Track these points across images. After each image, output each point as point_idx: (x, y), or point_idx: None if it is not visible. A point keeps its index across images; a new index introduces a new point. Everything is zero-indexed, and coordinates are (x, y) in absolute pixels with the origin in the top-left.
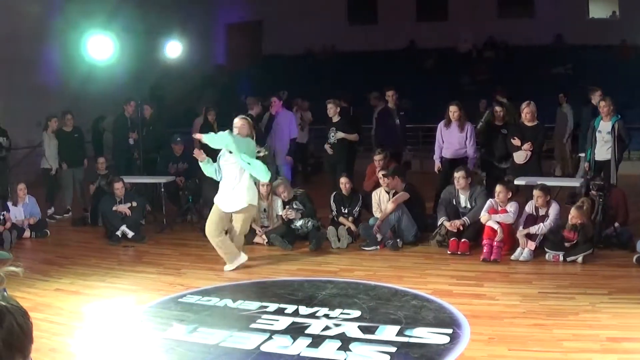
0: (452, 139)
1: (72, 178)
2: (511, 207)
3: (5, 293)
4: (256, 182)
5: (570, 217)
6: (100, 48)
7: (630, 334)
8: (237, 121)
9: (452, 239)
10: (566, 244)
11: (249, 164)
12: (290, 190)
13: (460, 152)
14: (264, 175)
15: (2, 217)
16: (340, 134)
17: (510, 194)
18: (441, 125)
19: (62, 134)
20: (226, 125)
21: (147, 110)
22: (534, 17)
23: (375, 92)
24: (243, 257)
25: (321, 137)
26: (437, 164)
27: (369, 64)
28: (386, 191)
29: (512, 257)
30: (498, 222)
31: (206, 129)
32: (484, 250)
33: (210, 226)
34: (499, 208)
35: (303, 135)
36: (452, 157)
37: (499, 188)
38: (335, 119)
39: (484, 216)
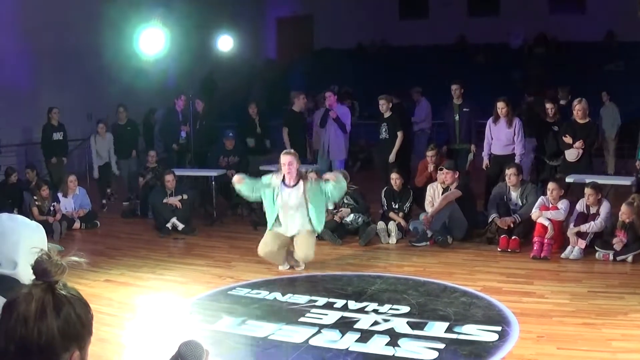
0: (500, 135)
1: (127, 169)
2: (562, 204)
3: (67, 284)
4: None
5: (620, 213)
6: (152, 42)
7: None
8: (285, 158)
9: (502, 236)
10: (614, 243)
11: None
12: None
13: (508, 148)
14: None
15: (52, 209)
16: (392, 157)
17: (563, 192)
18: (490, 121)
19: (116, 128)
20: (272, 117)
21: (199, 105)
22: (585, 14)
23: (417, 86)
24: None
25: (372, 132)
26: (485, 161)
27: (419, 59)
28: (443, 187)
29: (562, 255)
30: (549, 219)
31: (248, 123)
32: (534, 248)
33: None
34: (550, 205)
35: None
36: (500, 153)
37: (551, 185)
38: (387, 114)
39: (534, 213)
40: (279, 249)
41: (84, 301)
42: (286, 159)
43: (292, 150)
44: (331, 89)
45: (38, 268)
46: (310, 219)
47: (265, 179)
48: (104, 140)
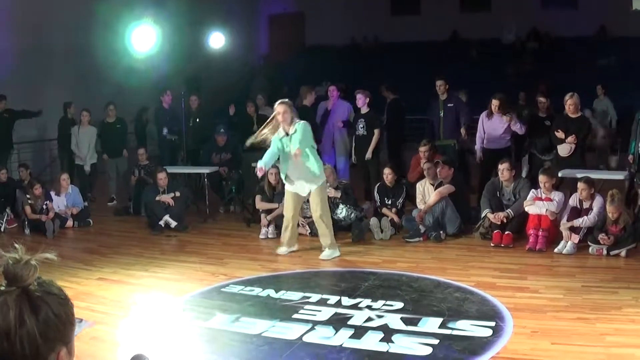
0: (494, 128)
1: (115, 168)
2: (556, 195)
3: (42, 280)
4: None
5: (610, 214)
6: (144, 39)
7: None
8: (279, 107)
9: (495, 231)
10: (601, 242)
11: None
12: (335, 177)
13: (502, 141)
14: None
15: (45, 207)
16: (369, 154)
17: (554, 181)
18: (483, 115)
19: (104, 126)
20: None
21: (193, 102)
22: (577, 9)
23: (387, 83)
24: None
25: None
26: (479, 155)
27: (411, 55)
28: (431, 184)
29: (556, 250)
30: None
31: (244, 120)
32: (530, 240)
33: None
34: (543, 197)
35: None
36: (494, 147)
37: (543, 178)
38: (364, 110)
39: (527, 203)
40: (294, 215)
41: (62, 295)
42: (281, 108)
43: (287, 100)
44: (329, 84)
45: (8, 274)
46: (310, 166)
47: (274, 140)
48: (85, 130)
